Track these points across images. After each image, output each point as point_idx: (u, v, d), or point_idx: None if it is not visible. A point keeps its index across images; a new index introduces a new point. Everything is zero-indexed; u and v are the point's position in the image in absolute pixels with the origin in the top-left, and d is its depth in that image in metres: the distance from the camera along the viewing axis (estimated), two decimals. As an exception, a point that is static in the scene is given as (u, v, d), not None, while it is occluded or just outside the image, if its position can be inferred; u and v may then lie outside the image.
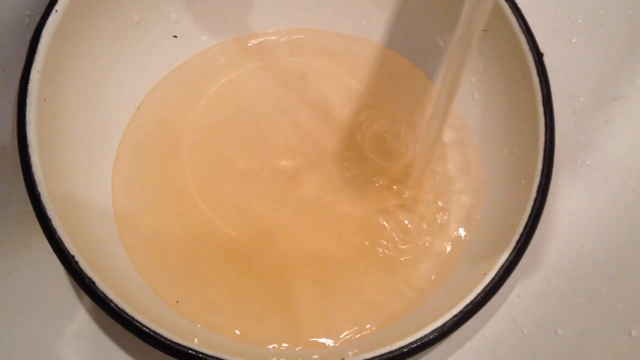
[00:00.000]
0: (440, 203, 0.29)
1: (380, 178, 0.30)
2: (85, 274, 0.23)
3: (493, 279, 0.24)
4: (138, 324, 0.23)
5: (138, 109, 0.31)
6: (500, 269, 0.24)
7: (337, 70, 0.33)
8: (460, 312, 0.24)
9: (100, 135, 0.30)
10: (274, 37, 0.33)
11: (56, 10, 0.26)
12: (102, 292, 0.23)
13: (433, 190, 0.30)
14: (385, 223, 0.29)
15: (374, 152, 0.31)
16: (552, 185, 0.27)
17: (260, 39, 0.33)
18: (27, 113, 0.25)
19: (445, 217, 0.29)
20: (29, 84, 0.25)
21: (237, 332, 0.27)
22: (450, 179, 0.30)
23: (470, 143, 0.30)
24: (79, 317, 0.28)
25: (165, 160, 0.30)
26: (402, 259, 0.28)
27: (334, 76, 0.33)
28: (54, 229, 0.24)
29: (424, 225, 0.29)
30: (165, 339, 0.23)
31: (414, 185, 0.29)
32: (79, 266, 0.23)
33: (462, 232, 0.29)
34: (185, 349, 0.23)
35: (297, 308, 0.27)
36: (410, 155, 0.30)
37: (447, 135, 0.31)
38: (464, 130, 0.30)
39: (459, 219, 0.29)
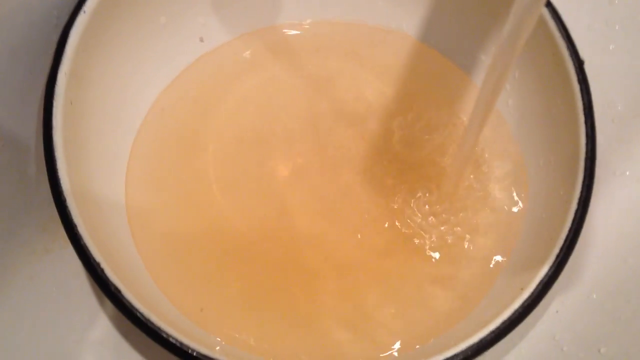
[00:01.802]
0: (478, 212, 0.28)
1: (415, 184, 0.29)
2: (111, 282, 0.23)
3: (532, 294, 0.23)
4: (164, 335, 0.22)
5: (162, 109, 0.31)
6: (539, 284, 0.23)
7: (367, 67, 0.32)
8: (497, 328, 0.23)
9: (123, 138, 0.30)
10: (302, 32, 0.33)
11: (84, 12, 0.25)
12: (127, 301, 0.23)
13: (471, 198, 0.29)
14: (421, 232, 0.28)
15: (407, 156, 0.30)
16: (592, 197, 0.26)
17: (289, 34, 0.33)
18: (53, 117, 0.24)
19: (485, 228, 0.28)
20: (56, 87, 0.25)
21: (255, 343, 0.26)
22: (491, 188, 0.29)
23: (513, 150, 0.29)
24: (101, 323, 0.28)
25: (188, 160, 0.30)
26: (440, 272, 0.27)
27: (363, 74, 0.32)
28: (80, 236, 0.23)
29: (465, 235, 0.28)
30: (193, 349, 0.22)
31: (450, 192, 0.28)
32: (104, 274, 0.23)
33: (502, 244, 0.28)
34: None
35: (322, 318, 0.27)
36: (447, 160, 0.29)
37: (488, 142, 0.30)
38: (507, 138, 0.29)
39: (499, 231, 0.28)
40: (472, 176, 0.29)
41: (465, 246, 0.28)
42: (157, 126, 0.30)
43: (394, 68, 0.32)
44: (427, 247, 0.28)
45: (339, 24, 0.33)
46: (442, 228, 0.28)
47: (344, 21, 0.33)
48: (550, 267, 0.24)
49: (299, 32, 0.33)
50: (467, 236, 0.28)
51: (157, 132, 0.30)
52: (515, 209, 0.29)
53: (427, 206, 0.28)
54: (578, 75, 0.25)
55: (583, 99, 0.25)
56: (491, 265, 0.28)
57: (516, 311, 0.23)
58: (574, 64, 0.25)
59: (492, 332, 0.23)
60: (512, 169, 0.29)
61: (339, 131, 0.31)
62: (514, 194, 0.29)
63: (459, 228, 0.28)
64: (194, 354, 0.22)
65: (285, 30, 0.33)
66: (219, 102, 0.31)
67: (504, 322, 0.23)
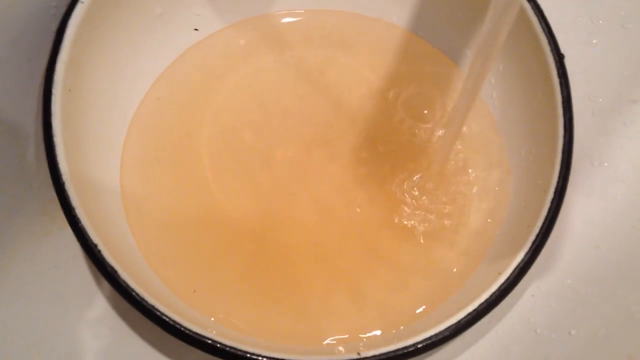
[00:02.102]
0: (461, 200, 0.29)
1: (403, 169, 0.30)
2: (108, 263, 0.24)
3: (508, 278, 0.24)
4: (158, 313, 0.23)
5: (158, 99, 0.32)
6: (515, 269, 0.25)
7: (358, 56, 0.33)
8: (475, 310, 0.24)
9: (120, 125, 0.30)
10: (295, 20, 0.33)
11: (82, 2, 0.26)
12: (123, 281, 0.24)
13: (455, 186, 0.30)
14: (405, 222, 0.29)
15: (396, 142, 0.31)
16: (569, 186, 0.27)
17: (282, 22, 0.33)
18: (52, 104, 0.25)
19: (469, 216, 0.29)
20: (55, 75, 0.25)
21: (244, 325, 0.27)
22: (475, 178, 0.30)
23: (496, 141, 0.30)
24: (98, 303, 0.28)
25: (182, 147, 0.31)
26: (425, 257, 0.29)
27: (354, 63, 0.33)
28: (78, 218, 0.24)
29: (448, 223, 0.29)
30: (185, 327, 0.23)
31: (435, 178, 0.29)
32: (101, 255, 0.24)
33: (485, 232, 0.29)
34: (205, 339, 0.23)
35: (309, 302, 0.28)
36: (434, 145, 0.30)
37: (473, 129, 0.31)
38: (492, 130, 0.30)
39: (482, 220, 0.29)
40: (460, 163, 0.30)
41: (449, 234, 0.29)
42: (152, 114, 0.31)
43: (384, 57, 0.33)
44: (413, 232, 0.29)
45: (332, 13, 0.34)
46: (430, 215, 0.29)
47: (337, 10, 0.34)
48: (527, 254, 0.25)
49: (292, 20, 0.34)
50: (449, 222, 0.29)
51: (152, 119, 0.31)
52: (498, 198, 0.30)
53: (415, 190, 0.29)
54: (558, 69, 0.26)
55: (562, 93, 0.26)
56: (475, 252, 0.29)
57: (493, 294, 0.24)
58: (555, 59, 0.26)
59: (470, 313, 0.24)
60: (495, 160, 0.30)
61: (330, 119, 0.32)
62: (497, 183, 0.30)
63: (445, 218, 0.29)
64: (187, 331, 0.23)
65: (279, 19, 0.33)
66: (213, 90, 0.32)
67: (481, 304, 0.24)
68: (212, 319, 0.27)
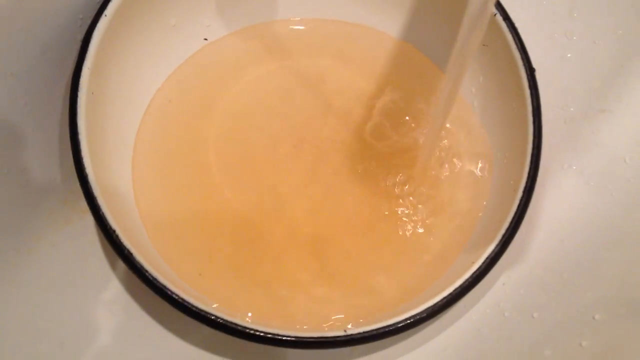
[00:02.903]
0: (444, 196, 0.32)
1: (389, 168, 0.32)
2: (125, 246, 0.27)
3: (479, 267, 0.27)
4: (169, 292, 0.26)
5: (169, 101, 0.34)
6: (486, 259, 0.27)
7: (353, 63, 0.35)
8: (449, 294, 0.27)
9: (135, 124, 0.33)
10: (297, 27, 0.36)
11: (105, 15, 0.29)
12: (138, 263, 0.27)
13: (438, 183, 0.32)
14: (392, 215, 0.31)
15: (387, 144, 0.33)
16: (540, 187, 0.30)
17: (285, 29, 0.35)
18: (78, 105, 0.28)
19: (450, 210, 0.31)
20: (80, 79, 0.28)
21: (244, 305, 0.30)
22: (457, 175, 0.32)
23: (482, 149, 0.32)
24: (113, 285, 0.31)
25: (190, 145, 0.33)
26: (407, 248, 0.31)
27: (349, 70, 0.35)
28: (99, 206, 0.27)
29: (428, 216, 0.31)
30: (192, 304, 0.26)
31: (419, 175, 0.31)
32: (119, 239, 0.27)
33: (464, 227, 0.31)
34: (209, 315, 0.26)
35: (300, 289, 0.30)
36: (418, 145, 0.32)
37: (457, 132, 0.33)
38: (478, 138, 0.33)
39: (462, 213, 0.31)
40: (446, 165, 0.33)
41: (432, 227, 0.31)
42: (162, 115, 0.33)
43: (377, 64, 0.35)
44: (400, 225, 0.31)
45: (329, 22, 0.36)
46: (415, 210, 0.31)
47: (333, 19, 0.36)
48: (497, 245, 0.28)
49: (294, 28, 0.36)
50: (432, 218, 0.32)
51: (161, 119, 0.33)
52: (477, 196, 0.32)
53: (406, 187, 0.31)
54: (529, 82, 0.29)
55: (532, 103, 0.29)
56: (455, 244, 0.31)
57: (466, 281, 0.27)
58: (527, 72, 0.29)
59: (445, 297, 0.27)
60: (476, 161, 0.33)
61: (327, 122, 0.34)
62: (476, 182, 0.32)
63: (428, 213, 0.32)
64: (193, 308, 0.26)
65: (283, 26, 0.36)
66: (219, 94, 0.34)
67: (455, 290, 0.27)
68: (215, 301, 0.29)
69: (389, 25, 0.35)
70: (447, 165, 0.33)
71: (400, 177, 0.32)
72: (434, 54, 0.35)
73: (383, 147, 0.33)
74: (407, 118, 0.33)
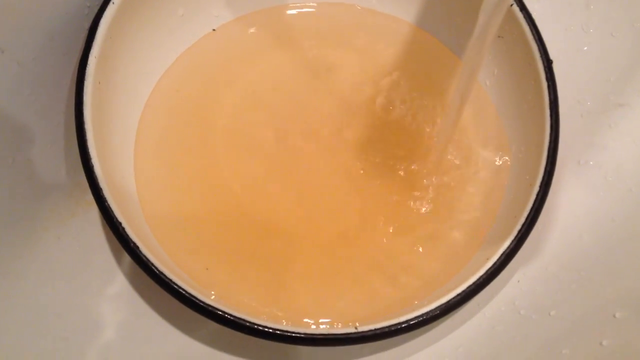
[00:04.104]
0: (460, 190, 0.31)
1: (402, 159, 0.31)
2: (131, 239, 0.26)
3: (494, 264, 0.27)
4: (175, 286, 0.26)
5: (177, 91, 0.33)
6: (501, 255, 0.27)
7: (364, 49, 0.34)
8: (463, 291, 0.26)
9: (138, 115, 0.32)
10: (305, 10, 0.35)
11: (112, 3, 0.28)
12: (144, 256, 0.26)
13: (454, 177, 0.31)
14: (407, 209, 0.30)
15: (398, 134, 0.32)
16: (557, 182, 0.29)
17: (292, 14, 0.35)
18: (84, 94, 0.27)
19: (467, 204, 0.31)
20: (87, 68, 0.28)
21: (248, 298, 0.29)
22: (473, 168, 0.31)
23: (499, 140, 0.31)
24: (118, 279, 0.30)
25: (192, 137, 0.32)
26: (423, 243, 0.30)
27: (360, 57, 0.34)
28: (105, 198, 0.26)
29: (442, 211, 0.30)
30: (199, 299, 0.26)
31: (434, 168, 0.31)
32: (125, 232, 0.26)
33: (482, 220, 0.30)
34: (218, 310, 0.25)
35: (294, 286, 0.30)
36: (434, 136, 0.32)
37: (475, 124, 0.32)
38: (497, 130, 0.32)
39: (479, 208, 0.31)
40: (457, 162, 0.32)
41: (448, 224, 0.31)
42: (168, 106, 0.33)
43: (390, 51, 0.34)
44: (416, 219, 0.31)
45: (342, 6, 0.35)
46: (423, 209, 0.31)
47: (347, 3, 0.35)
48: (512, 241, 0.27)
49: (302, 11, 0.35)
50: (447, 214, 0.31)
51: (169, 111, 0.33)
52: (494, 191, 0.32)
53: (423, 180, 0.31)
54: (546, 74, 0.28)
55: (550, 96, 0.28)
56: (472, 240, 0.31)
57: (480, 277, 0.26)
58: (544, 64, 0.28)
59: (459, 294, 0.26)
60: (493, 155, 0.32)
61: (338, 113, 0.33)
62: (494, 177, 0.32)
63: (445, 212, 0.31)
64: (201, 303, 0.26)
65: (291, 11, 0.35)
66: (227, 85, 0.33)
67: (469, 287, 0.26)
68: (219, 293, 0.29)
69: (403, 11, 0.34)
70: (462, 159, 0.32)
71: (415, 168, 0.31)
72: (450, 41, 0.34)
73: (397, 137, 0.32)
74: (422, 108, 0.33)
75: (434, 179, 0.31)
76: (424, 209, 0.31)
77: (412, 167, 0.32)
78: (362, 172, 0.32)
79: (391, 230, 0.31)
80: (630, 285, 0.26)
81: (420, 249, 0.30)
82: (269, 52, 0.34)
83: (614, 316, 0.25)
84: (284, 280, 0.30)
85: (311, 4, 0.35)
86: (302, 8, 0.35)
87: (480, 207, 0.31)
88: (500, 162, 0.31)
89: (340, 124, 0.33)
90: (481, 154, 0.32)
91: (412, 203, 0.31)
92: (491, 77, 0.32)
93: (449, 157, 0.31)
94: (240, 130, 0.33)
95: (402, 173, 0.31)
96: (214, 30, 0.35)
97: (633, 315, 0.24)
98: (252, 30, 0.35)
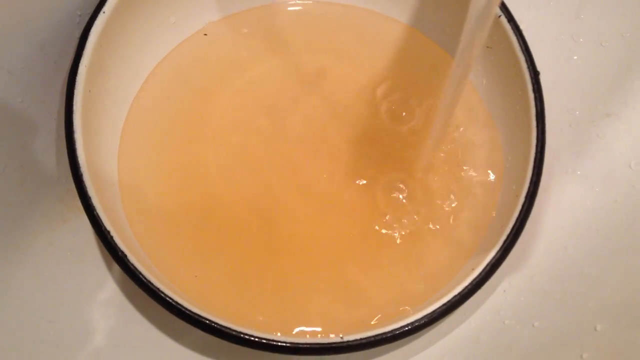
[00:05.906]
0: (452, 196, 0.31)
1: (392, 167, 0.31)
2: (119, 248, 0.26)
3: (480, 274, 0.27)
4: (162, 294, 0.26)
5: (168, 97, 0.33)
6: (487, 265, 0.27)
7: (358, 51, 0.34)
8: (449, 301, 0.27)
9: (132, 122, 0.33)
10: (297, 10, 0.35)
11: (104, 12, 0.28)
12: (132, 265, 0.26)
13: (445, 182, 0.31)
14: (395, 222, 0.30)
15: (391, 140, 0.32)
16: (544, 192, 0.29)
17: (285, 11, 0.34)
18: (74, 103, 0.28)
19: (455, 214, 0.30)
20: (77, 77, 0.28)
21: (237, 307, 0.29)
22: (469, 179, 0.31)
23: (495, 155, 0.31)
24: (109, 286, 0.31)
25: (185, 144, 0.32)
26: (411, 253, 0.30)
27: (354, 58, 0.34)
28: (93, 207, 0.27)
29: (431, 221, 0.30)
30: (187, 308, 0.26)
31: (423, 171, 0.31)
32: (113, 240, 0.26)
33: (473, 231, 0.30)
34: (204, 319, 0.26)
35: (294, 293, 0.30)
36: (425, 140, 0.31)
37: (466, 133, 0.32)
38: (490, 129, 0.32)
39: (470, 218, 0.31)
40: (447, 169, 0.32)
41: (439, 234, 0.31)
42: (159, 112, 0.33)
43: (385, 52, 0.34)
44: (404, 230, 0.31)
45: (330, 5, 0.35)
46: (415, 217, 0.31)
47: (341, 3, 0.35)
48: (498, 252, 0.27)
49: (294, 9, 0.35)
50: (437, 226, 0.31)
51: (160, 117, 0.33)
52: (485, 201, 0.32)
53: (406, 192, 0.31)
54: (533, 85, 0.28)
55: (536, 107, 0.28)
56: (461, 251, 0.31)
57: (465, 288, 0.27)
58: (531, 76, 0.28)
59: (444, 304, 0.27)
60: (485, 166, 0.32)
61: (329, 117, 0.33)
62: (484, 187, 0.32)
63: (437, 218, 0.31)
64: (187, 312, 0.26)
65: (283, 8, 0.35)
66: (217, 89, 0.33)
67: (454, 297, 0.27)
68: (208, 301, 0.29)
69: (398, 11, 0.34)
70: (454, 167, 0.32)
71: (405, 176, 0.31)
72: (445, 42, 0.33)
73: (388, 143, 0.32)
74: (413, 112, 0.32)
75: (423, 187, 0.31)
76: (412, 218, 0.31)
77: (403, 174, 0.32)
78: (352, 179, 0.32)
79: (376, 241, 0.31)
80: (612, 298, 0.26)
81: (406, 259, 0.30)
82: (260, 56, 0.34)
83: (595, 329, 0.25)
84: (273, 288, 0.30)
85: (306, 2, 0.35)
86: (295, 6, 0.35)
87: (471, 217, 0.31)
88: (492, 175, 0.31)
89: (332, 129, 0.33)
90: (472, 165, 0.32)
91: (398, 213, 0.31)
92: (480, 88, 0.32)
93: (439, 165, 0.31)
94: (230, 135, 0.33)
95: (390, 182, 0.32)
96: (205, 35, 0.35)
97: (613, 328, 0.25)
98: (244, 30, 0.34)
